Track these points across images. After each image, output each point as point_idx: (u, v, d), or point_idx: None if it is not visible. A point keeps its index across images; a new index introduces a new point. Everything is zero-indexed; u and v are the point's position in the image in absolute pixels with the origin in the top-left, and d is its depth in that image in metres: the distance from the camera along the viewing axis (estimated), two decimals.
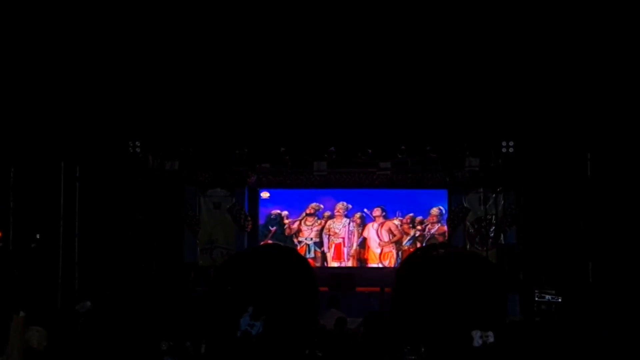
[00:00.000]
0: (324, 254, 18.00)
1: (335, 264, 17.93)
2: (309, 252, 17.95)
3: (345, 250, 17.98)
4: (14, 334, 3.26)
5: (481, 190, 17.17)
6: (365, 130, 16.40)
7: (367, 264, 17.94)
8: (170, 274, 16.43)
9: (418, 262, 2.32)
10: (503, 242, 16.62)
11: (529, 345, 8.44)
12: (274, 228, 18.16)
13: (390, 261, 17.83)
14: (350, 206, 18.12)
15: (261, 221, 18.30)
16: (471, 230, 17.27)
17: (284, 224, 18.21)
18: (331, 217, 18.10)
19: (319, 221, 18.12)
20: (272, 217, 18.27)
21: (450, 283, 2.17)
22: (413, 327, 2.09)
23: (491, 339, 2.14)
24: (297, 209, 18.34)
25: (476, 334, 2.18)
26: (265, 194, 18.27)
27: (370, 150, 16.66)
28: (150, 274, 16.10)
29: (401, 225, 17.92)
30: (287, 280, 1.91)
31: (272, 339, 1.72)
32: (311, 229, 18.11)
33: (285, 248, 2.62)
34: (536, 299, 11.49)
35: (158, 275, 16.26)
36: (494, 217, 16.82)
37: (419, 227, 17.85)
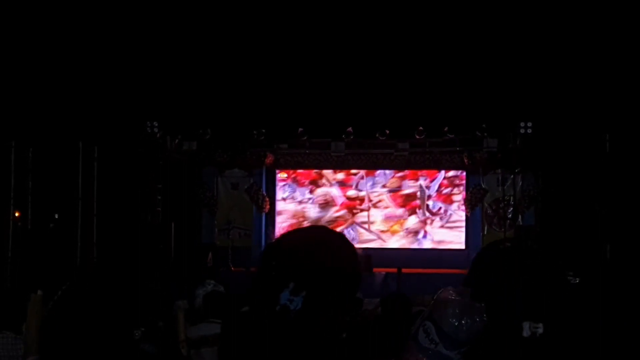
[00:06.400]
0: None
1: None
2: None
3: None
4: (32, 312, 3.26)
5: (499, 171, 17.10)
6: (383, 111, 16.32)
7: None
8: (188, 254, 16.46)
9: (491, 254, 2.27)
10: (521, 224, 16.56)
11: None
12: None
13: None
14: None
15: None
16: (489, 211, 17.23)
17: None
18: None
19: None
20: None
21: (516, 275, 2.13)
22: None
23: (541, 331, 2.11)
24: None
25: (526, 325, 2.15)
26: (282, 174, 18.26)
27: (388, 131, 16.61)
28: (168, 255, 16.12)
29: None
30: (332, 262, 1.90)
31: (310, 316, 1.70)
32: None
33: (333, 231, 2.63)
34: None
35: (176, 256, 16.29)
36: (512, 198, 16.76)
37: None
